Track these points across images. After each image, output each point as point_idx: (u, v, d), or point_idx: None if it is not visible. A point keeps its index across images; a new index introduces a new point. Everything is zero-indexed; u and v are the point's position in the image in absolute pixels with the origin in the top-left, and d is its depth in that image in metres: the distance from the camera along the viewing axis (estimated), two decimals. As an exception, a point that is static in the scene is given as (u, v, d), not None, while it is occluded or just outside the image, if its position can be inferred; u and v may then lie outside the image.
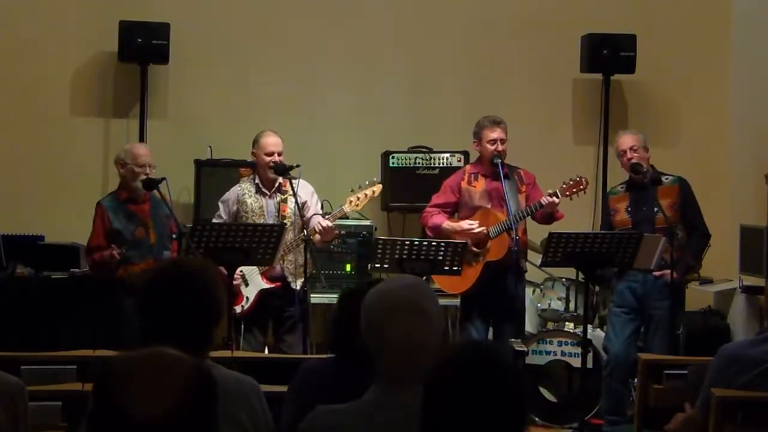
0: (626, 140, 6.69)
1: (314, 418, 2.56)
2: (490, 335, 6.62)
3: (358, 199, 6.48)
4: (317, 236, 6.32)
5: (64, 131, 7.94)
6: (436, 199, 6.68)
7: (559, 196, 6.34)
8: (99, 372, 1.94)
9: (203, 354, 2.71)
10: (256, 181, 6.53)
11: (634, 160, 6.58)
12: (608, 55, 7.96)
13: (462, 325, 6.62)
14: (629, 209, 6.64)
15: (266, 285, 6.45)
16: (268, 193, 6.51)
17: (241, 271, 6.34)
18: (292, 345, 6.41)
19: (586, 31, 8.04)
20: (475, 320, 6.53)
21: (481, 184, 6.58)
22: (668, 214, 6.45)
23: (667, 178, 6.73)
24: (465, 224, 6.44)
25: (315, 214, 6.49)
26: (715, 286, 7.81)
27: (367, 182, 6.63)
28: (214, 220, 6.55)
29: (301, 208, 6.32)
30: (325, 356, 3.77)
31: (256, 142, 6.50)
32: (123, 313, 6.16)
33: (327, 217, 6.47)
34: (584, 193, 6.52)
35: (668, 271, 6.39)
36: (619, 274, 6.58)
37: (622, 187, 6.78)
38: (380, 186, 6.63)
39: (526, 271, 6.70)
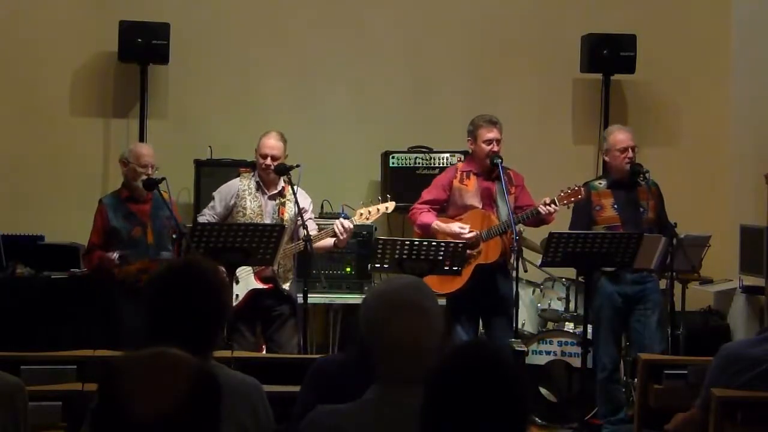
0: (626, 137, 6.60)
1: (314, 418, 2.56)
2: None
3: (369, 213, 6.39)
4: (332, 239, 6.26)
5: (64, 131, 7.94)
6: (426, 195, 6.60)
7: (557, 204, 6.30)
8: (103, 371, 1.94)
9: (207, 355, 2.71)
10: (256, 179, 6.49)
11: (632, 159, 6.54)
12: (608, 55, 7.96)
13: (449, 325, 6.53)
14: (616, 206, 6.58)
15: (258, 285, 6.39)
16: (268, 192, 6.48)
17: None
18: (282, 344, 6.35)
19: (586, 31, 8.05)
20: (463, 320, 6.47)
21: (473, 183, 6.51)
22: (652, 216, 6.45)
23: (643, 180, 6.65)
24: (456, 227, 6.35)
25: (310, 219, 6.44)
26: (715, 286, 7.81)
27: (379, 198, 6.58)
28: (205, 211, 6.49)
29: (299, 213, 6.29)
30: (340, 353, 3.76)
31: (257, 142, 6.48)
32: (120, 313, 6.17)
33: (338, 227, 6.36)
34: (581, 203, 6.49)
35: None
36: (612, 278, 6.54)
37: (601, 183, 6.67)
38: (393, 204, 6.49)
39: (526, 271, 6.68)
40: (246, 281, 6.38)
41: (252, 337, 6.44)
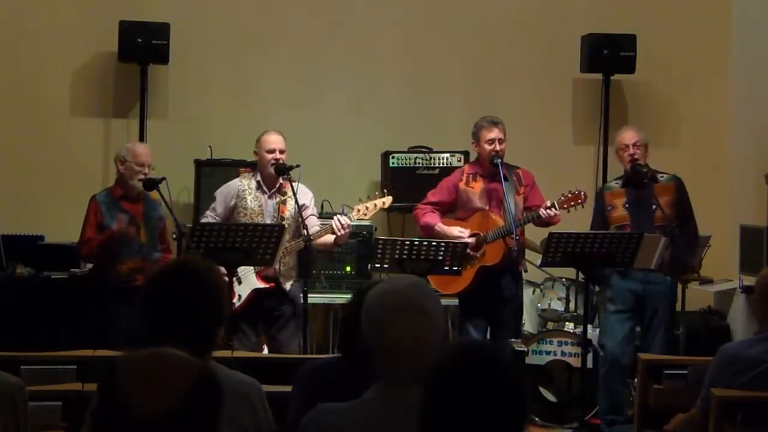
0: (629, 135, 6.68)
1: (315, 416, 2.56)
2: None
3: (367, 208, 6.40)
4: (332, 236, 6.27)
5: (64, 131, 7.94)
6: (432, 196, 6.63)
7: (557, 208, 6.29)
8: (104, 371, 1.94)
9: (206, 355, 2.71)
10: (258, 178, 6.49)
11: (636, 156, 6.57)
12: (608, 55, 7.96)
13: (461, 325, 6.60)
14: (627, 206, 6.62)
15: (260, 285, 6.40)
16: (269, 192, 6.48)
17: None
18: (284, 344, 6.36)
19: (586, 31, 8.04)
20: (474, 320, 6.51)
21: (479, 185, 6.54)
22: (667, 212, 6.45)
23: (662, 176, 6.71)
24: (455, 231, 6.37)
25: (312, 215, 6.45)
26: (715, 286, 7.81)
27: (377, 193, 6.59)
28: (208, 212, 6.52)
29: (299, 210, 6.30)
30: (331, 355, 3.76)
31: (258, 141, 6.48)
32: (113, 313, 6.16)
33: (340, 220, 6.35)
34: (582, 207, 6.41)
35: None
36: (621, 272, 6.56)
37: (617, 183, 6.76)
38: (390, 198, 6.52)
39: (526, 271, 6.69)
40: (248, 281, 6.39)
41: (254, 337, 6.46)
